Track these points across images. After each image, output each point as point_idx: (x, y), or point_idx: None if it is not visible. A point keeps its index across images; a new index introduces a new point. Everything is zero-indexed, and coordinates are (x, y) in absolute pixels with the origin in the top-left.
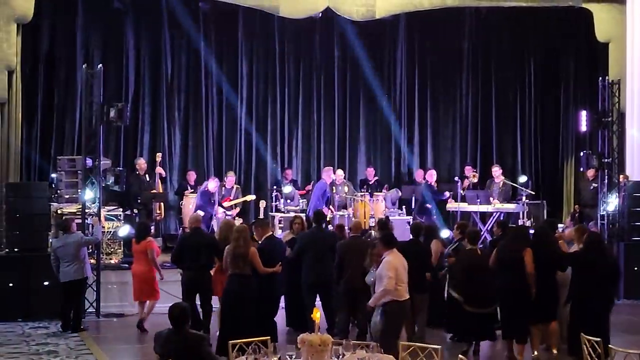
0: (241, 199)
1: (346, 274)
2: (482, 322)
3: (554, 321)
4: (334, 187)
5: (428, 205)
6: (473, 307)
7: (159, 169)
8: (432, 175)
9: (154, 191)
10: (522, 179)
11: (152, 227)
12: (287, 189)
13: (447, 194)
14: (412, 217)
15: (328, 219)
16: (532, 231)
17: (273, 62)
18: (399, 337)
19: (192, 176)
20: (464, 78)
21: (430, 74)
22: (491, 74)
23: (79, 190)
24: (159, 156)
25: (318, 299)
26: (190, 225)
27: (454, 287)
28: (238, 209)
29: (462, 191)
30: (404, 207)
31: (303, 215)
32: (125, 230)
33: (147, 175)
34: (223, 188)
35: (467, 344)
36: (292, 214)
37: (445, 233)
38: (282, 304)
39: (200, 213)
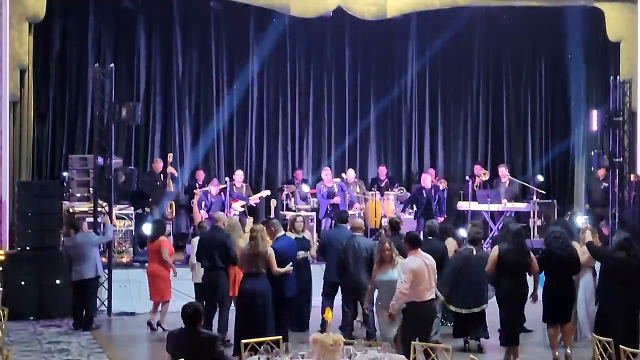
0: (258, 195)
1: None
2: (469, 322)
3: (569, 321)
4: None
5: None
6: (457, 306)
7: (171, 169)
8: (425, 179)
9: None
10: (540, 178)
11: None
12: (305, 188)
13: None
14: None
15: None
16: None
17: (284, 61)
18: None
19: (201, 175)
20: (474, 77)
21: (441, 73)
22: (502, 73)
23: (91, 189)
24: (170, 156)
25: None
26: (213, 223)
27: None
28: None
29: (476, 188)
30: (414, 205)
31: (313, 213)
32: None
33: (161, 175)
34: (234, 187)
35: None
36: (303, 213)
37: (463, 233)
38: None
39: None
